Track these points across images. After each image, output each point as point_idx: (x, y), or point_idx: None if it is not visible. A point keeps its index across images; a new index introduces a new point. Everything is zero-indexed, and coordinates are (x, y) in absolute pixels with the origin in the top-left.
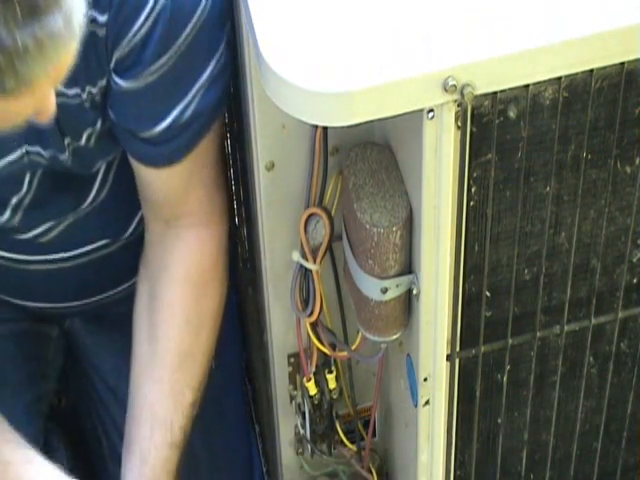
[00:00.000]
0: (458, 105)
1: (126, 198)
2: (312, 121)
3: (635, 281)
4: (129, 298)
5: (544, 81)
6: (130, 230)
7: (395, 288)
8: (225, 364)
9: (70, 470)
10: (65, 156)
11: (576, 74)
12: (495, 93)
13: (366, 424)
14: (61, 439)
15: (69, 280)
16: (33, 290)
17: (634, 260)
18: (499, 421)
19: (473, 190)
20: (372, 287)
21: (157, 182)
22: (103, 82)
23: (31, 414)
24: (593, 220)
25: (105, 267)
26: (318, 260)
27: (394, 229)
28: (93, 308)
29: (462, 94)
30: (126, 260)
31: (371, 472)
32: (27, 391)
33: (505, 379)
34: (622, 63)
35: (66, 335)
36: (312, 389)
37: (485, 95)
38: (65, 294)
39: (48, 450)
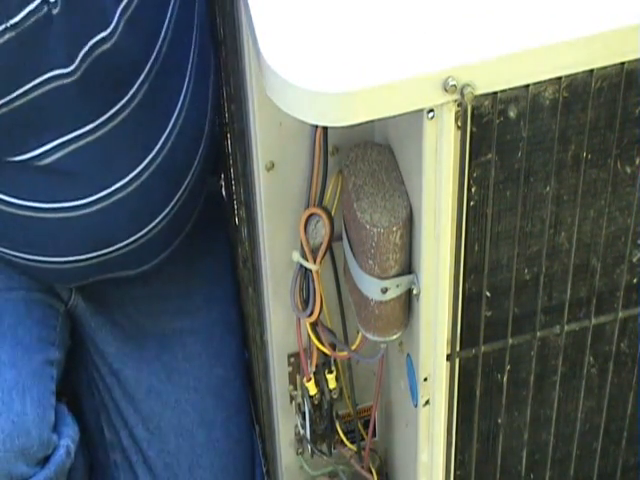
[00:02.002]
0: (458, 105)
1: (158, 113)
2: (312, 121)
3: (635, 281)
4: (132, 279)
5: (544, 81)
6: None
7: (395, 288)
8: (225, 359)
9: (72, 462)
10: None
11: (576, 74)
12: (495, 93)
13: (366, 424)
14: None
15: (84, 229)
16: (43, 240)
17: (634, 260)
18: (499, 421)
19: (473, 190)
20: (372, 287)
21: None
22: None
23: (43, 375)
24: (593, 220)
25: (121, 213)
26: (318, 260)
27: (394, 229)
28: (98, 283)
29: (462, 94)
30: (142, 203)
31: (371, 472)
32: (38, 352)
33: (505, 379)
34: (622, 63)
35: (71, 317)
36: (312, 389)
37: (485, 95)
38: (77, 245)
39: (60, 422)
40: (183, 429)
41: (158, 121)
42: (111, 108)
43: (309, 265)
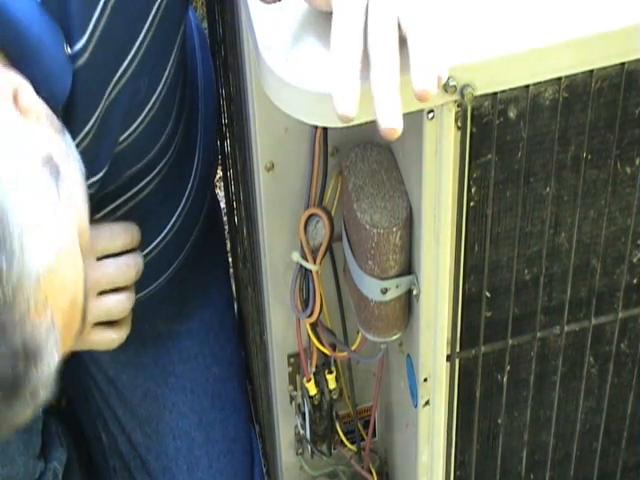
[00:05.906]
0: (458, 106)
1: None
2: (312, 122)
3: (635, 281)
4: None
5: (544, 81)
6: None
7: (395, 289)
8: (221, 359)
9: (70, 467)
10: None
11: (576, 74)
12: (495, 93)
13: (366, 424)
14: (62, 435)
15: None
16: None
17: (634, 260)
18: (499, 421)
19: (473, 190)
20: (372, 288)
21: None
22: None
23: None
24: (593, 220)
25: None
26: (318, 260)
27: (394, 230)
28: None
29: (462, 95)
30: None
31: (371, 472)
32: None
33: (505, 379)
34: (622, 63)
35: None
36: (312, 389)
37: (485, 95)
38: None
39: (47, 445)
40: (181, 431)
41: (178, 189)
42: (139, 183)
43: (309, 265)
